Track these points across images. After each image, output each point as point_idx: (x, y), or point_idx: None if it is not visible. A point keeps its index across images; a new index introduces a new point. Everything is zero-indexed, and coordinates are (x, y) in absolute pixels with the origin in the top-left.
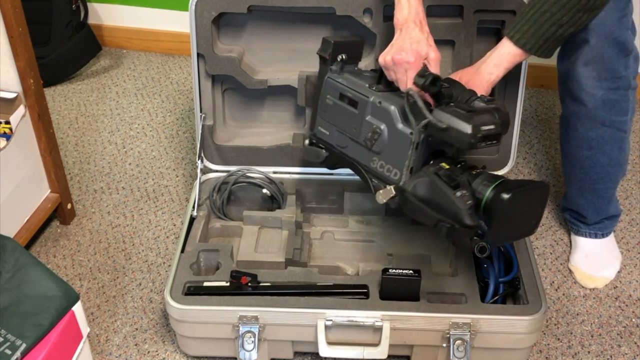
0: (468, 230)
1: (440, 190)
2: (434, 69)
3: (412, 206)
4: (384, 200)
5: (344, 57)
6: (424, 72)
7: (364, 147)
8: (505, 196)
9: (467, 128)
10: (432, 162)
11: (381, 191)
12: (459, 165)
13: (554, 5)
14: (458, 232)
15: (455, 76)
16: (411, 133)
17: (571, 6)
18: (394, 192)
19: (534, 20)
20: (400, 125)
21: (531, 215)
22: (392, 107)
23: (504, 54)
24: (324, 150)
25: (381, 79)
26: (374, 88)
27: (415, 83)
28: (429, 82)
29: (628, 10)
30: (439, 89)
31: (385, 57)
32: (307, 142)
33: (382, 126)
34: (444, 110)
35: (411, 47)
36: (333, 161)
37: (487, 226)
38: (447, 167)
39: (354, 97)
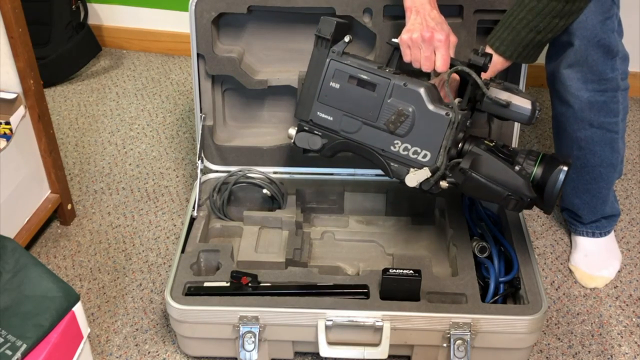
0: (530, 202)
1: (501, 166)
2: (452, 52)
3: (476, 183)
4: (416, 183)
5: (351, 38)
6: (483, 51)
7: (382, 131)
8: (565, 168)
9: (528, 104)
10: (465, 141)
11: (413, 174)
12: (493, 143)
13: (529, 12)
14: (524, 204)
15: None
16: (447, 114)
17: (546, 13)
18: (429, 173)
19: (512, 27)
20: (431, 107)
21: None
22: (422, 89)
23: None
24: (320, 137)
25: (390, 61)
26: (387, 70)
27: (471, 62)
28: (489, 60)
29: (612, 13)
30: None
31: (412, 35)
32: (292, 131)
33: (411, 108)
34: (498, 88)
35: (439, 26)
36: (334, 148)
37: (540, 197)
38: (492, 144)
39: (371, 79)
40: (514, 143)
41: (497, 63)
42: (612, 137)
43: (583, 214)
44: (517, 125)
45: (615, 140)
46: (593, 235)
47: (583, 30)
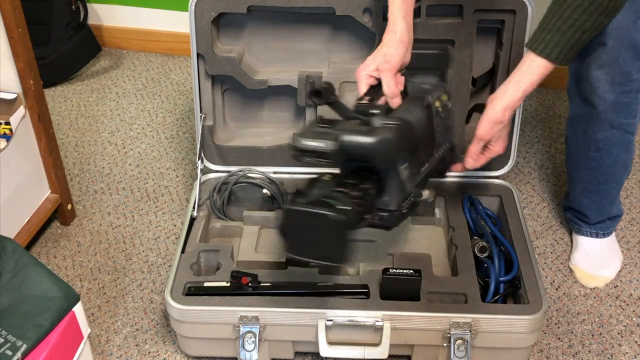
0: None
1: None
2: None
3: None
4: None
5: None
6: (320, 81)
7: None
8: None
9: (369, 140)
10: None
11: None
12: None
13: (574, 11)
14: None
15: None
16: None
17: (592, 10)
18: None
19: (557, 28)
20: None
21: (325, 240)
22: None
23: (526, 70)
24: None
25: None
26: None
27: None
28: (324, 88)
29: None
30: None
31: None
32: None
33: None
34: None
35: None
36: None
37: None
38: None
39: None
40: (514, 145)
41: (541, 67)
42: (628, 138)
43: (590, 214)
44: (517, 126)
45: (631, 142)
46: (597, 235)
47: (617, 29)
